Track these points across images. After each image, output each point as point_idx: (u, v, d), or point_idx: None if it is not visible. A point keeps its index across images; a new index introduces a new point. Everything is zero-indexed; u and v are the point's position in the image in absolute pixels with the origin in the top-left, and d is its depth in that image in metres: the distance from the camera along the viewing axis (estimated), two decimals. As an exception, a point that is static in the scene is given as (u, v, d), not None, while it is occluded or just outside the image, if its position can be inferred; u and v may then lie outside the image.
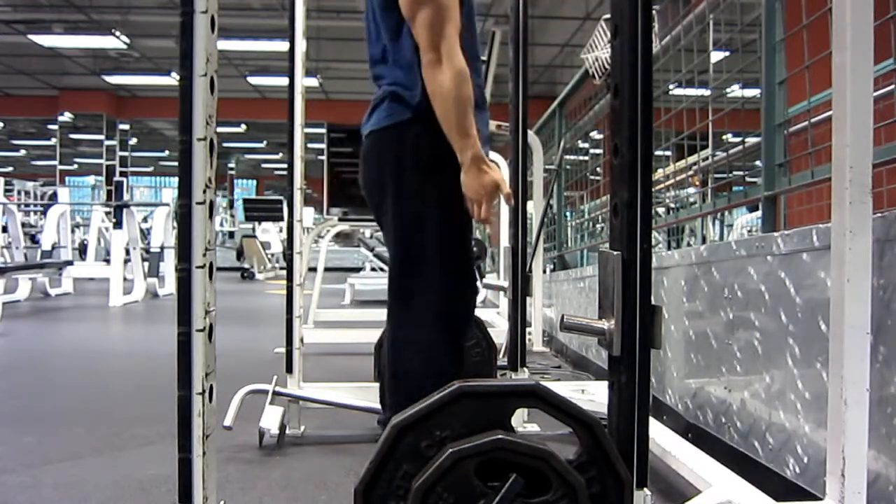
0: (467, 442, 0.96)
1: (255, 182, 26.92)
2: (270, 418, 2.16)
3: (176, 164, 0.97)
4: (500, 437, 0.96)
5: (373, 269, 8.76)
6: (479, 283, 4.93)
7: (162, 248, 8.00)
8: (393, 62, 1.60)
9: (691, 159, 3.89)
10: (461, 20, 1.52)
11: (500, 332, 3.53)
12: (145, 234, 9.03)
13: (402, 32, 1.56)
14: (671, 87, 3.20)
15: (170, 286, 8.21)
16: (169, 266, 8.26)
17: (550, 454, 0.96)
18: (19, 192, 13.92)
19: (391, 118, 1.58)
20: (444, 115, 1.45)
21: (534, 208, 4.33)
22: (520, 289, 2.20)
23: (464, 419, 0.98)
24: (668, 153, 5.08)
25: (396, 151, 1.57)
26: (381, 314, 1.84)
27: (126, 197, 7.64)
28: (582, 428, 0.98)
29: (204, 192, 0.97)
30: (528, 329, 2.95)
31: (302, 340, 2.38)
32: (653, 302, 1.00)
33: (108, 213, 9.10)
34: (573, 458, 0.98)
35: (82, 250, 9.97)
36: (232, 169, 21.76)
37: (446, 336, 1.57)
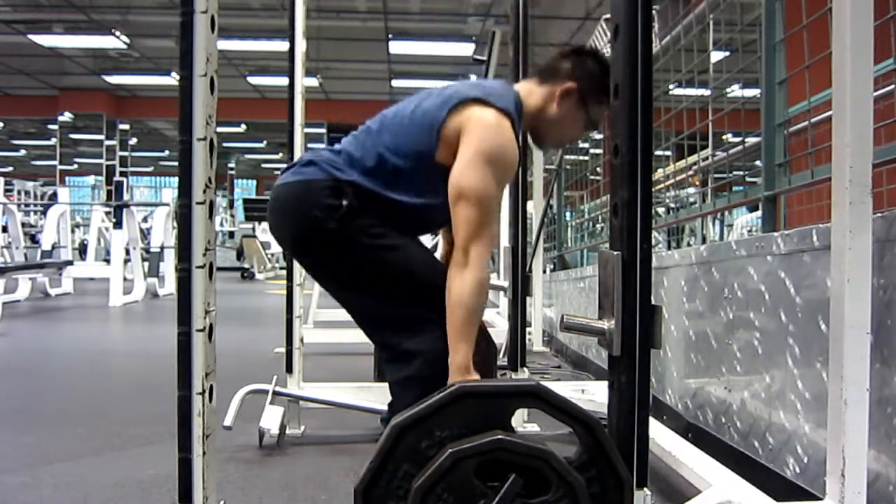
0: (467, 442, 0.96)
1: (255, 182, 26.91)
2: (270, 418, 2.16)
3: (176, 164, 0.97)
4: (499, 437, 0.96)
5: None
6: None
7: (162, 248, 8.00)
8: (355, 150, 1.59)
9: (691, 159, 3.89)
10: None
11: (500, 332, 3.53)
12: (145, 234, 9.03)
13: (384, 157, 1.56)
14: (671, 87, 3.20)
15: (170, 286, 8.21)
16: (169, 266, 8.26)
17: (550, 454, 0.96)
18: (19, 192, 13.91)
19: (302, 175, 1.58)
20: (451, 315, 1.46)
21: (534, 208, 4.32)
22: (520, 289, 2.21)
23: (464, 419, 0.98)
24: (668, 153, 5.08)
25: (301, 202, 1.56)
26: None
27: (126, 197, 7.65)
28: (582, 428, 0.98)
29: (204, 192, 0.97)
30: (528, 329, 2.96)
31: (302, 340, 2.38)
32: (653, 302, 1.00)
33: (108, 213, 9.10)
34: (573, 458, 0.98)
35: (82, 250, 9.97)
36: (232, 169, 21.75)
37: (441, 335, 1.57)
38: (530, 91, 1.67)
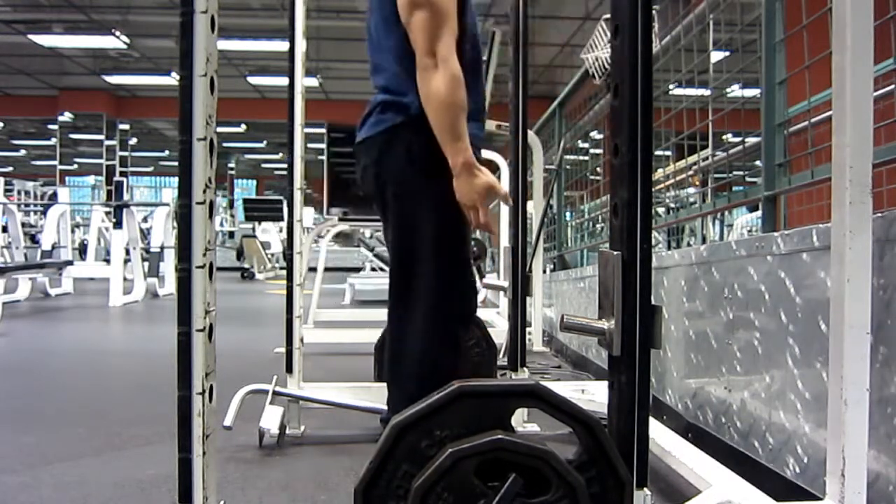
0: (467, 442, 0.96)
1: (255, 182, 26.92)
2: (270, 418, 2.16)
3: (176, 164, 0.97)
4: (499, 437, 0.96)
5: (373, 269, 8.75)
6: (477, 283, 4.93)
7: (162, 248, 8.00)
8: (386, 69, 1.62)
9: (691, 159, 3.88)
10: (460, 29, 1.53)
11: (500, 332, 3.53)
12: (145, 234, 9.02)
13: (398, 41, 1.58)
14: (671, 87, 3.20)
15: (170, 286, 8.21)
16: (169, 266, 8.26)
17: (550, 454, 0.96)
18: (19, 192, 13.91)
19: (383, 123, 1.60)
20: (436, 119, 1.46)
21: (534, 208, 4.32)
22: (520, 289, 2.20)
23: (463, 419, 0.98)
24: (668, 153, 5.08)
25: (389, 155, 1.58)
26: (382, 314, 1.84)
27: (126, 197, 7.64)
28: (582, 428, 0.98)
29: (204, 192, 0.97)
30: (528, 329, 2.96)
31: (302, 340, 2.38)
32: (653, 302, 1.00)
33: (108, 213, 9.10)
34: (573, 458, 0.98)
35: (82, 250, 9.96)
36: (232, 169, 21.77)
37: (445, 336, 1.58)
38: None
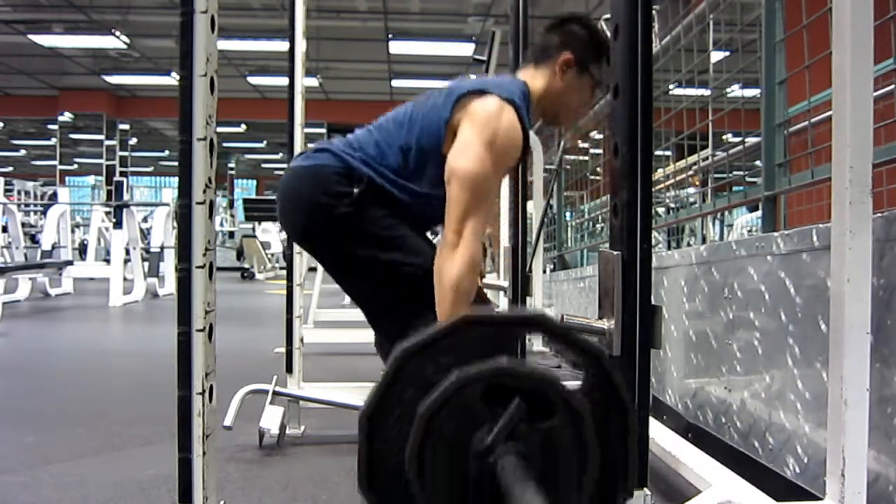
0: (473, 367, 0.95)
1: (255, 182, 26.91)
2: (270, 418, 2.16)
3: (176, 164, 0.97)
4: (505, 362, 0.95)
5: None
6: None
7: (162, 248, 8.00)
8: (368, 155, 1.59)
9: (691, 159, 3.89)
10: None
11: (500, 332, 3.52)
12: (145, 234, 9.02)
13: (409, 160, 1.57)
14: (671, 87, 3.20)
15: (170, 286, 8.21)
16: (169, 266, 8.26)
17: (556, 379, 0.96)
18: (19, 192, 13.91)
19: (314, 159, 1.59)
20: (440, 297, 1.45)
21: (534, 208, 4.32)
22: (520, 289, 2.21)
23: (469, 347, 0.97)
24: (668, 153, 5.08)
25: (319, 186, 1.56)
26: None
27: (126, 197, 7.65)
28: (586, 357, 0.98)
29: (204, 192, 0.97)
30: (528, 329, 2.95)
31: (302, 340, 2.38)
32: (653, 302, 1.00)
33: (108, 213, 9.09)
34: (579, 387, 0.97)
35: (82, 250, 9.96)
36: (232, 169, 21.74)
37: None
38: (532, 76, 1.68)
